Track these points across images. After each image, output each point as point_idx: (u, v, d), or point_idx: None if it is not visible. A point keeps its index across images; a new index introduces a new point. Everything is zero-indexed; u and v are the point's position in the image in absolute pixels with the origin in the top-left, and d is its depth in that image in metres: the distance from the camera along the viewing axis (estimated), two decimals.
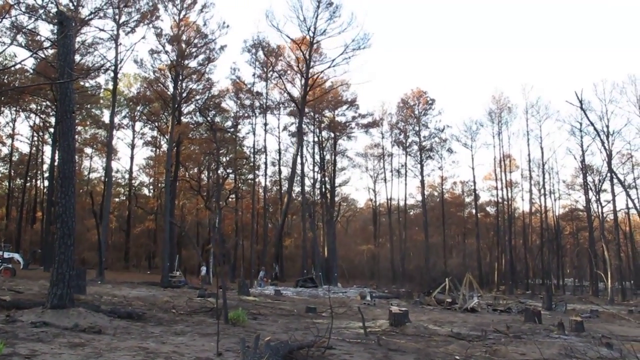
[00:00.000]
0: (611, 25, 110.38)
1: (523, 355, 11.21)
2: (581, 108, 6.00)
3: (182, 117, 46.95)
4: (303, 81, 50.76)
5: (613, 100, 53.17)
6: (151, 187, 64.50)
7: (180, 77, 43.15)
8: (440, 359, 10.15)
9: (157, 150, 59.73)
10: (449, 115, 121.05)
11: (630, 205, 54.03)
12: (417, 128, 60.71)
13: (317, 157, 57.72)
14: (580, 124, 50.52)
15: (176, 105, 43.47)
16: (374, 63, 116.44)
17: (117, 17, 38.70)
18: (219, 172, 53.28)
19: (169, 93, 43.89)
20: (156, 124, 53.71)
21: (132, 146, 57.06)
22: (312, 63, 54.43)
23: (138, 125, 57.13)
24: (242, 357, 6.88)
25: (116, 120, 49.77)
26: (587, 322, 19.39)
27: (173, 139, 43.01)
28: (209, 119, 50.15)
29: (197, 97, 47.16)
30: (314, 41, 49.29)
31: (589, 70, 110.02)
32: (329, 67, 50.75)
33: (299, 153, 50.70)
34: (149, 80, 45.76)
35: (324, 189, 57.33)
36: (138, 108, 53.24)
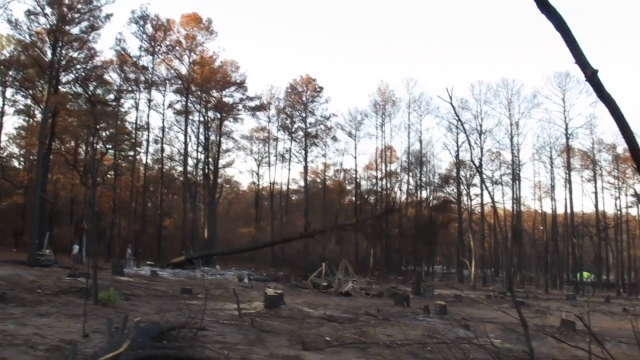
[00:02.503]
0: (491, 28, 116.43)
1: (390, 336, 11.80)
2: (451, 104, 6.43)
3: (59, 87, 44.35)
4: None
5: (487, 101, 56.68)
6: (22, 159, 60.54)
7: (60, 44, 40.78)
8: (311, 340, 10.47)
9: (31, 120, 56.08)
10: (335, 104, 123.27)
11: (496, 199, 58.01)
12: (303, 114, 61.36)
13: (201, 137, 56.81)
14: (457, 120, 53.22)
15: (54, 73, 41.08)
16: (264, 46, 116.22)
17: None
18: (98, 147, 51.10)
19: (46, 59, 41.28)
20: (30, 91, 50.31)
21: (2, 114, 53.19)
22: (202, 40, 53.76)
23: (9, 91, 53.13)
24: (108, 339, 6.77)
25: None
26: (450, 306, 20.71)
27: (49, 109, 40.57)
28: (89, 90, 47.86)
29: (78, 66, 44.75)
30: None
31: (469, 70, 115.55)
32: None
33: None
34: (24, 43, 42.65)
35: (207, 170, 56.57)
36: (10, 73, 49.53)
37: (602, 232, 56.96)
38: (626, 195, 56.38)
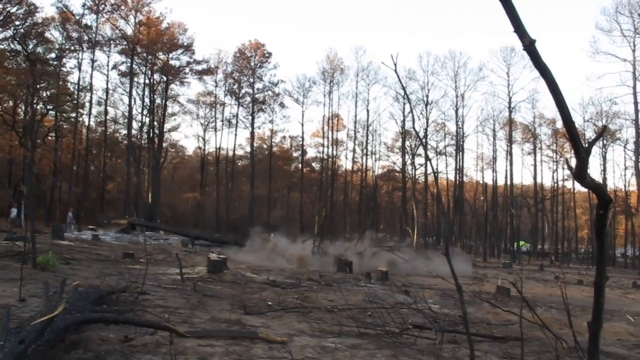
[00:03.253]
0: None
1: (331, 301, 12.01)
2: (395, 71, 6.52)
3: None
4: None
5: (434, 73, 57.41)
6: None
7: None
8: (253, 305, 10.59)
9: None
10: (284, 70, 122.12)
11: (439, 170, 59.20)
12: (251, 80, 60.71)
13: (147, 100, 55.62)
14: (402, 88, 53.78)
15: None
16: (213, 13, 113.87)
17: None
18: (38, 107, 49.39)
19: None
20: None
21: None
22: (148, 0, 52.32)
23: None
24: (44, 302, 6.70)
25: None
26: (391, 273, 21.19)
27: None
28: (28, 48, 45.99)
29: (17, 22, 42.96)
30: None
31: (418, 41, 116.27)
32: None
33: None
34: None
35: (152, 134, 55.54)
36: None
37: (539, 203, 58.96)
38: (563, 168, 58.40)
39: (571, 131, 2.71)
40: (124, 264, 15.82)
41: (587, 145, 2.69)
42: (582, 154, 2.65)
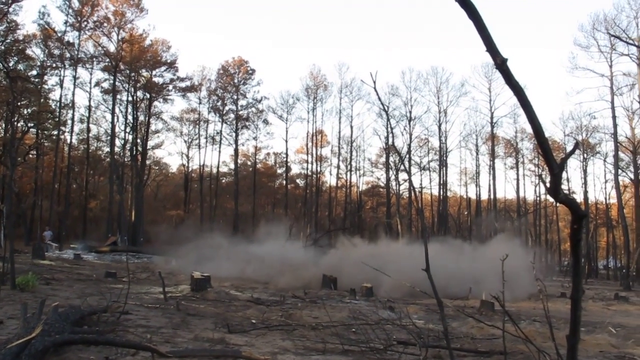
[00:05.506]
0: (424, 16, 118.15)
1: (316, 318, 11.96)
2: (374, 88, 6.60)
3: None
4: None
5: (417, 89, 57.89)
6: None
7: None
8: (237, 323, 10.51)
9: None
10: (267, 87, 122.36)
11: (423, 186, 59.45)
12: (235, 96, 60.75)
13: (130, 118, 55.37)
14: (388, 107, 54.09)
15: None
16: (195, 31, 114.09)
17: None
18: (19, 125, 48.97)
19: None
20: None
21: None
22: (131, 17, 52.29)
23: None
24: (22, 324, 6.60)
25: None
26: (375, 288, 21.12)
27: None
28: (9, 65, 45.67)
29: None
30: None
31: (402, 58, 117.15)
32: None
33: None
34: None
35: (135, 151, 55.23)
36: None
37: (522, 217, 59.38)
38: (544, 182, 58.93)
39: (544, 147, 2.74)
40: (105, 284, 15.67)
41: (560, 161, 2.72)
42: (556, 170, 2.68)
